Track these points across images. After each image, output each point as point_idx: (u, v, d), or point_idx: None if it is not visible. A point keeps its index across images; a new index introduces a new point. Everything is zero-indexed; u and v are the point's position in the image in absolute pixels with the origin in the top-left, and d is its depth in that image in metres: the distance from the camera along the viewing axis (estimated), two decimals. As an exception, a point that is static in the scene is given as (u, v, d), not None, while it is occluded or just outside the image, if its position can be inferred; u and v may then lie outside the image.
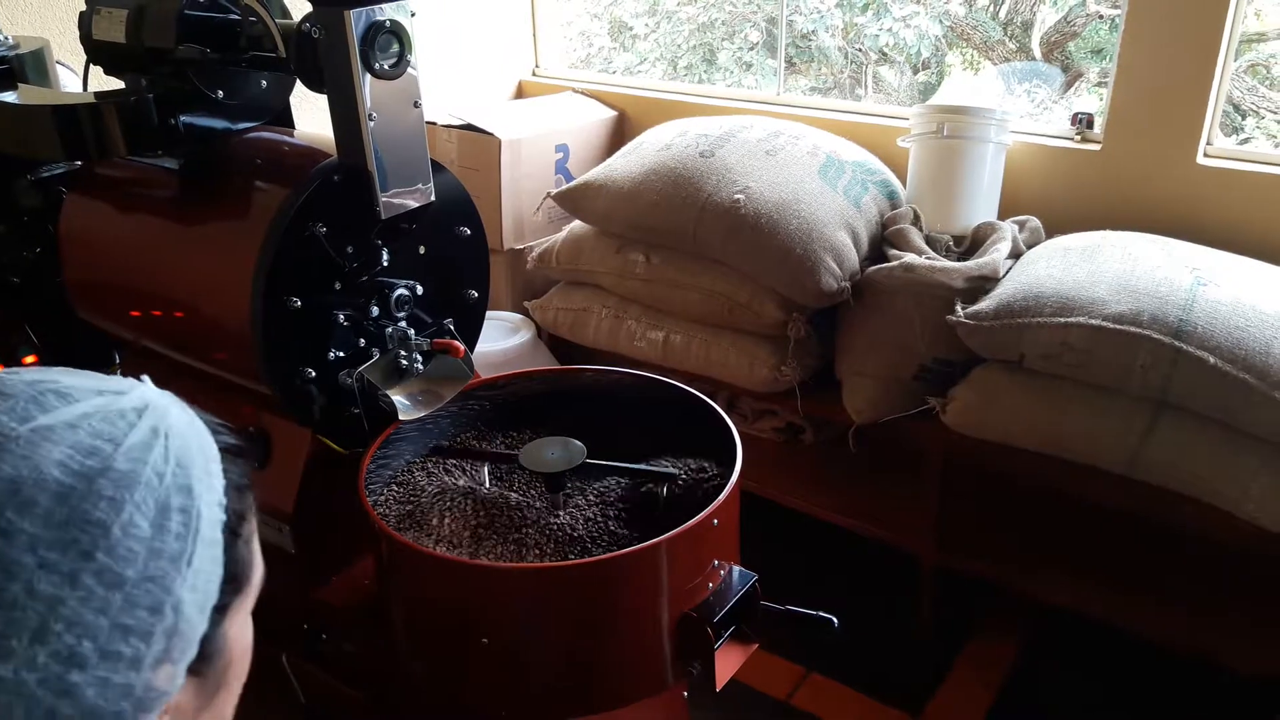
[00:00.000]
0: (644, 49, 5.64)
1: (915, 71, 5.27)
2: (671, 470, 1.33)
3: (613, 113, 3.35)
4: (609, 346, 2.72)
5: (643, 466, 1.34)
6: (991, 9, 5.24)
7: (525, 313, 2.96)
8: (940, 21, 5.02)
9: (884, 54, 5.20)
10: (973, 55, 5.25)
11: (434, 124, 3.03)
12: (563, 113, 3.26)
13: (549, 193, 2.79)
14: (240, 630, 0.69)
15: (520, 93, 3.64)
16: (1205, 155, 2.43)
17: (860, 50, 5.26)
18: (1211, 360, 1.93)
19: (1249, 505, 1.95)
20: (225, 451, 0.68)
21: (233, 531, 0.66)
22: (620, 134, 3.29)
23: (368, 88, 1.22)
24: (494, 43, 3.51)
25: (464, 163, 2.97)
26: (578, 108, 3.33)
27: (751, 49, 5.44)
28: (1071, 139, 2.59)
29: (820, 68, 5.46)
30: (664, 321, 2.62)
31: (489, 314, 2.98)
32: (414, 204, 1.30)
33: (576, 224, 2.80)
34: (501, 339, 2.87)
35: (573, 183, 2.75)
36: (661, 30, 5.60)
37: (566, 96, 3.42)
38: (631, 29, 5.70)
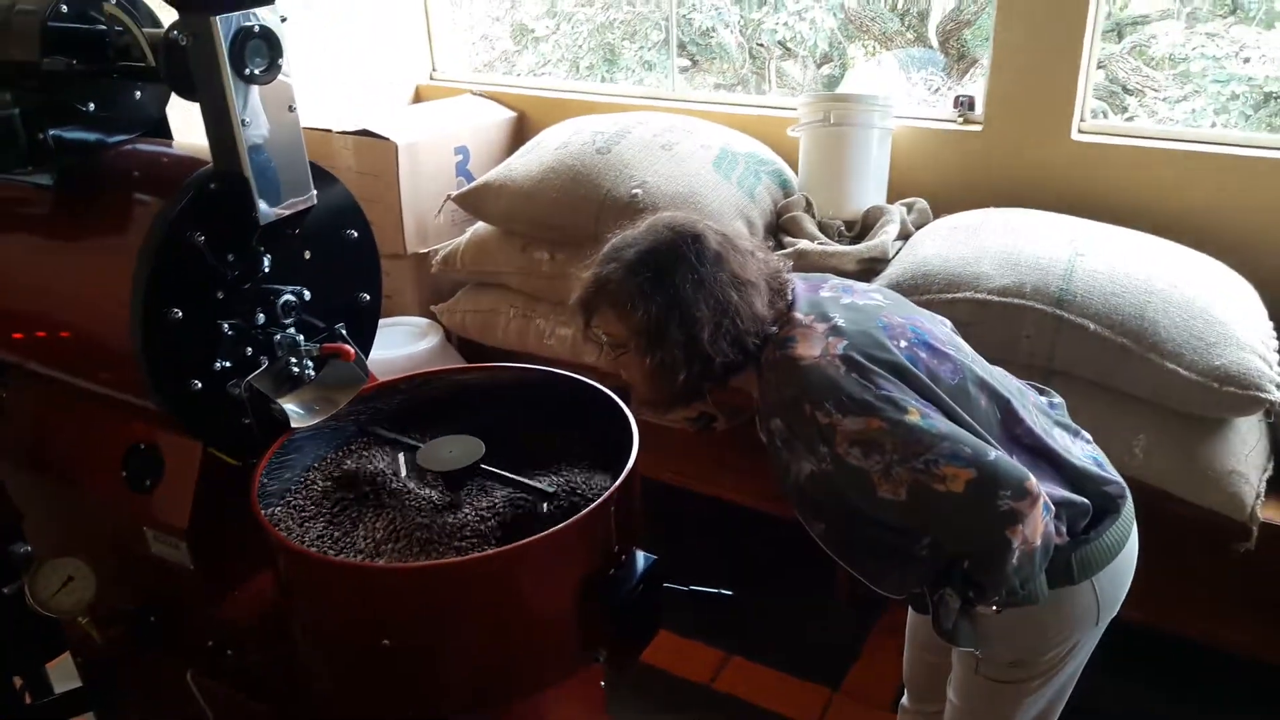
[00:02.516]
0: (546, 51, 5.64)
1: (819, 65, 5.36)
2: (548, 490, 1.31)
3: (512, 114, 3.35)
4: (519, 346, 2.72)
5: (525, 481, 1.31)
6: (889, 1, 5.36)
7: (433, 316, 2.95)
8: (835, 14, 5.12)
9: (786, 48, 5.28)
10: (873, 46, 5.37)
11: (329, 131, 3.00)
12: (461, 115, 3.26)
13: (449, 195, 2.79)
14: None
15: (418, 97, 3.62)
16: (1080, 131, 2.54)
17: (761, 46, 5.34)
18: (1091, 326, 2.02)
19: (1134, 463, 2.05)
20: None
21: None
22: (520, 135, 3.30)
23: (240, 94, 1.20)
24: (389, 48, 3.49)
25: (362, 168, 2.95)
26: (476, 110, 3.33)
27: (653, 48, 5.48)
28: (954, 121, 2.68)
29: (723, 64, 5.52)
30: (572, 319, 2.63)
31: (396, 319, 2.99)
32: (294, 209, 1.29)
33: (480, 225, 2.80)
34: (409, 344, 2.85)
35: (472, 184, 2.75)
36: (562, 32, 5.61)
37: (465, 99, 3.41)
38: (533, 31, 5.70)
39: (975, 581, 1.31)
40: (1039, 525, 1.27)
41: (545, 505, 1.29)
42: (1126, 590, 1.47)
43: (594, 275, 1.39)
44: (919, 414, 1.27)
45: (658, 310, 1.33)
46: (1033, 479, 1.28)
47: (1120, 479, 1.45)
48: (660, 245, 1.36)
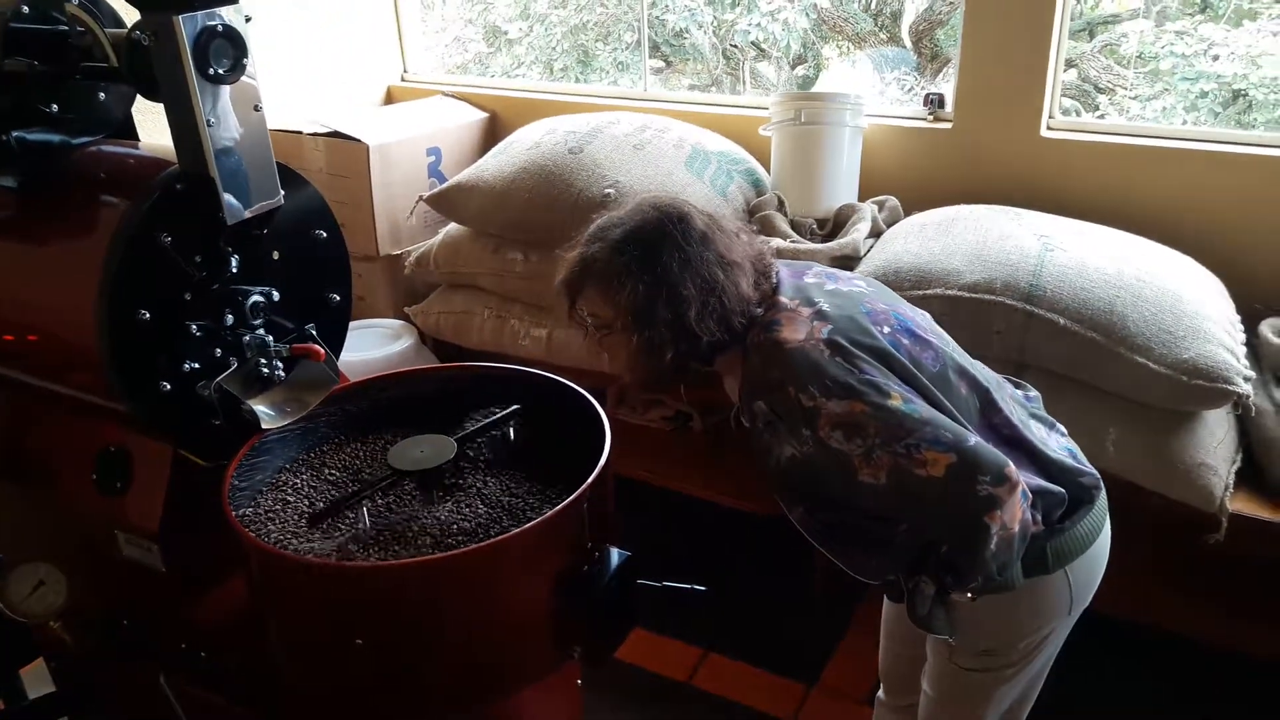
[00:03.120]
0: (519, 53, 5.64)
1: (793, 66, 5.38)
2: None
3: (484, 115, 3.35)
4: (494, 347, 2.72)
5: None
6: (862, 1, 5.39)
7: (406, 318, 2.94)
8: (807, 15, 5.15)
9: (760, 49, 5.30)
10: (847, 47, 5.40)
11: (300, 133, 2.98)
12: (433, 116, 3.25)
13: (421, 196, 2.78)
14: None
15: (390, 98, 3.61)
16: (1048, 128, 2.56)
17: (735, 47, 5.35)
18: (1061, 321, 2.04)
19: (1105, 456, 2.06)
20: None
21: None
22: (493, 135, 3.30)
23: (205, 94, 1.20)
24: (360, 50, 3.47)
25: (333, 170, 2.93)
26: (448, 111, 3.32)
27: (626, 50, 5.48)
28: (925, 119, 2.70)
29: (697, 65, 5.54)
30: (546, 319, 2.64)
31: (369, 322, 2.98)
32: (261, 209, 1.28)
33: (453, 226, 2.79)
34: (383, 346, 2.84)
35: (444, 185, 2.74)
36: (535, 34, 5.61)
37: (436, 100, 3.40)
38: (506, 33, 5.69)
39: (952, 567, 1.32)
40: (1017, 512, 1.29)
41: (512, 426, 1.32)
42: (1099, 580, 1.49)
43: (579, 255, 1.39)
44: (901, 399, 1.29)
45: (645, 289, 1.33)
46: (1012, 465, 1.29)
47: (1094, 470, 1.47)
48: (646, 224, 1.37)
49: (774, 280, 1.43)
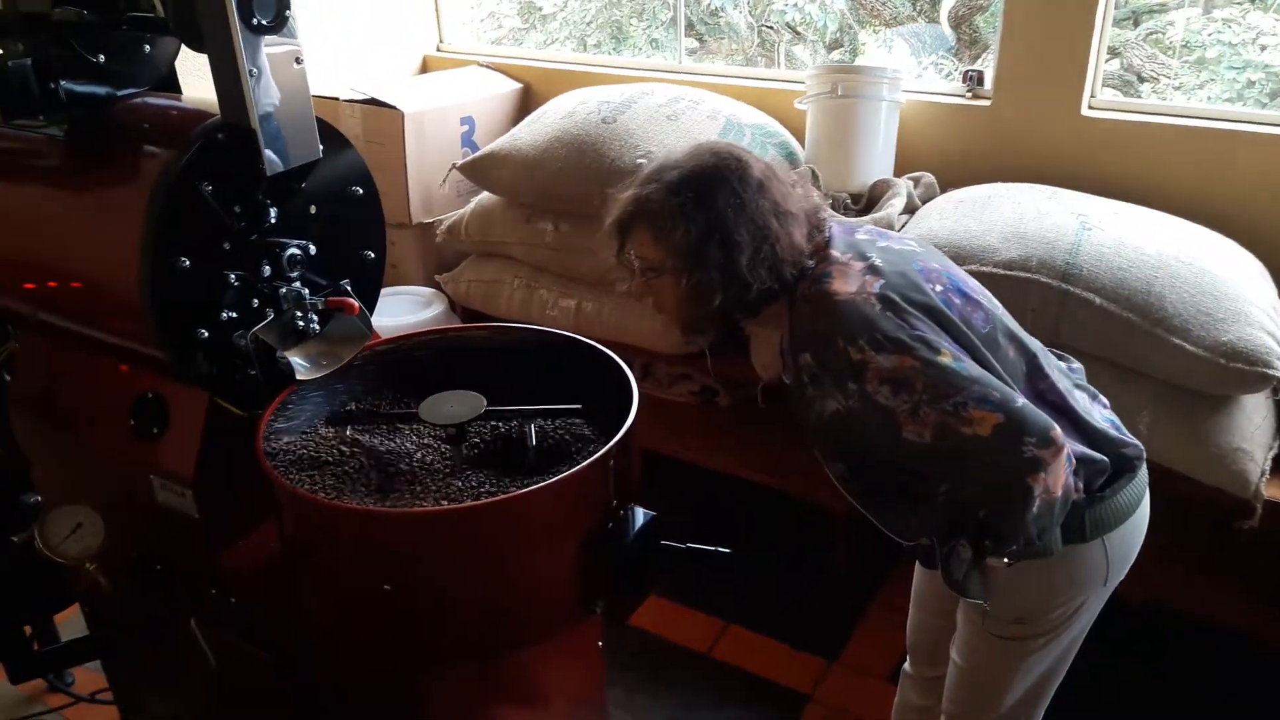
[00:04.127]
0: (553, 29, 5.63)
1: (829, 50, 5.34)
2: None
3: (518, 85, 3.35)
4: (522, 316, 2.73)
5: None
6: (902, -13, 5.32)
7: (437, 286, 2.96)
8: (844, -5, 5.09)
9: (795, 31, 5.25)
10: (885, 33, 5.34)
11: (337, 99, 3.00)
12: (467, 86, 3.26)
13: (454, 164, 2.79)
14: None
15: (425, 68, 3.62)
16: (1090, 108, 2.52)
17: (770, 28, 5.31)
18: (1097, 301, 2.02)
19: (1140, 439, 2.03)
20: None
21: None
22: (526, 106, 3.30)
23: (247, 45, 1.21)
24: (397, 19, 3.48)
25: (369, 137, 2.95)
26: (483, 81, 3.33)
27: (661, 27, 5.46)
28: (963, 96, 2.67)
29: (732, 45, 5.50)
30: (575, 289, 2.64)
31: (400, 288, 3.00)
32: (299, 160, 1.30)
33: (485, 195, 2.80)
34: (414, 312, 2.86)
35: (477, 154, 2.75)
36: (570, 9, 5.59)
37: (471, 70, 3.41)
38: (541, 8, 5.68)
39: (992, 530, 1.31)
40: (1061, 475, 1.28)
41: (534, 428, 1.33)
42: (1136, 553, 1.48)
43: (633, 195, 1.38)
44: (952, 356, 1.28)
45: (698, 231, 1.32)
46: (1058, 429, 1.28)
47: (1137, 442, 1.46)
48: (704, 168, 1.36)
49: (826, 234, 1.42)
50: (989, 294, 1.48)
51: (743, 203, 1.34)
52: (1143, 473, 1.45)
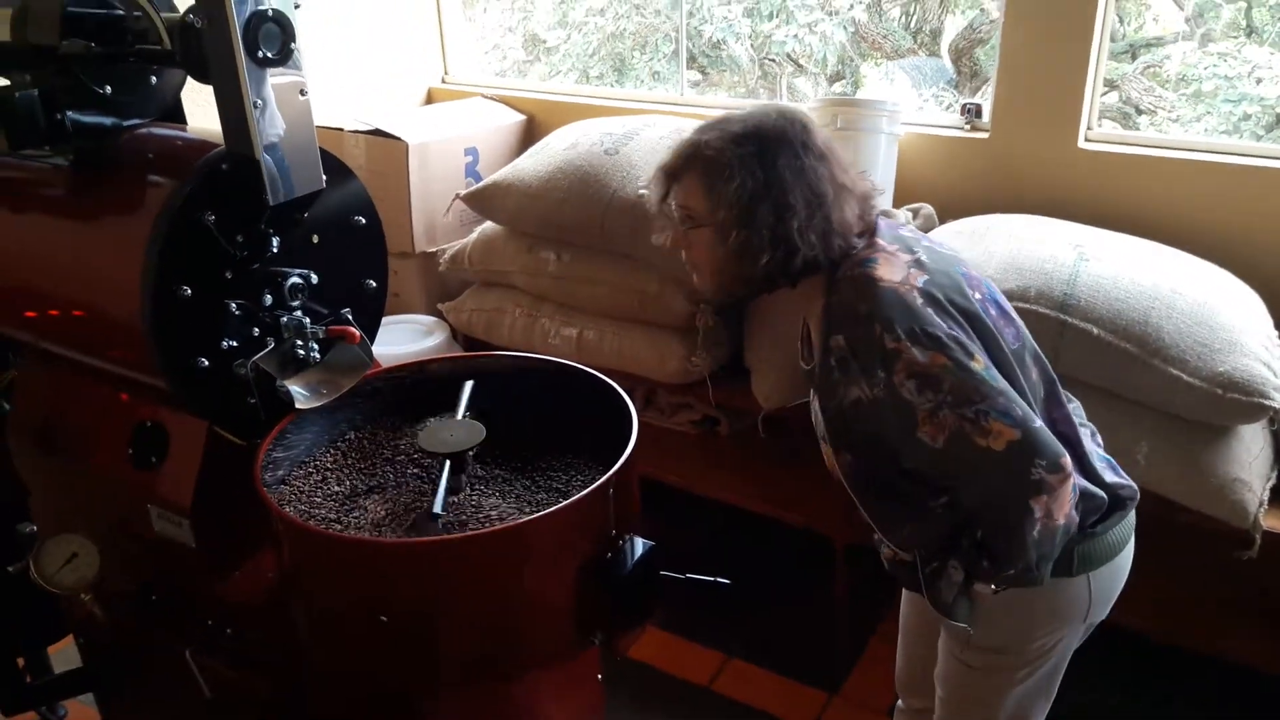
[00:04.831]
0: (556, 61, 5.69)
1: (830, 82, 5.39)
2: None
3: (521, 117, 3.38)
4: (524, 345, 2.74)
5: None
6: (903, 19, 5.38)
7: (439, 315, 2.97)
8: (845, 28, 5.14)
9: (797, 64, 5.30)
10: (886, 65, 5.39)
11: (342, 130, 3.03)
12: (472, 117, 3.28)
13: (458, 194, 2.81)
14: None
15: (430, 99, 3.65)
16: (1086, 140, 2.54)
17: (772, 60, 5.36)
18: (1095, 331, 2.02)
19: (1137, 469, 2.04)
20: None
21: None
22: (529, 137, 3.32)
23: (252, 77, 1.22)
24: (402, 51, 3.52)
25: (372, 167, 2.97)
26: (487, 112, 3.36)
27: (663, 59, 5.51)
28: (961, 128, 2.69)
29: (734, 77, 5.55)
30: (577, 318, 2.65)
31: (403, 317, 3.01)
32: (302, 190, 1.31)
33: (488, 225, 2.82)
34: (416, 341, 2.87)
35: (481, 184, 2.77)
36: (573, 41, 5.65)
37: (476, 102, 3.44)
38: (544, 41, 5.74)
39: (989, 551, 1.31)
40: (1064, 504, 1.27)
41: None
42: (1117, 594, 1.47)
43: (691, 140, 1.36)
44: (983, 363, 1.27)
45: (754, 186, 1.30)
46: (1068, 458, 1.28)
47: (1132, 482, 1.46)
48: (768, 124, 1.34)
49: (874, 221, 1.41)
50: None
51: (803, 166, 1.31)
52: (1132, 514, 1.45)
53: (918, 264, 1.33)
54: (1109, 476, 1.43)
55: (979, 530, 1.32)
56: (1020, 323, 1.42)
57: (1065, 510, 1.28)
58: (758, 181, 1.30)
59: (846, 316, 1.32)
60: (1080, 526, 1.36)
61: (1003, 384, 1.27)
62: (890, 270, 1.31)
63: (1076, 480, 1.33)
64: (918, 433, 1.27)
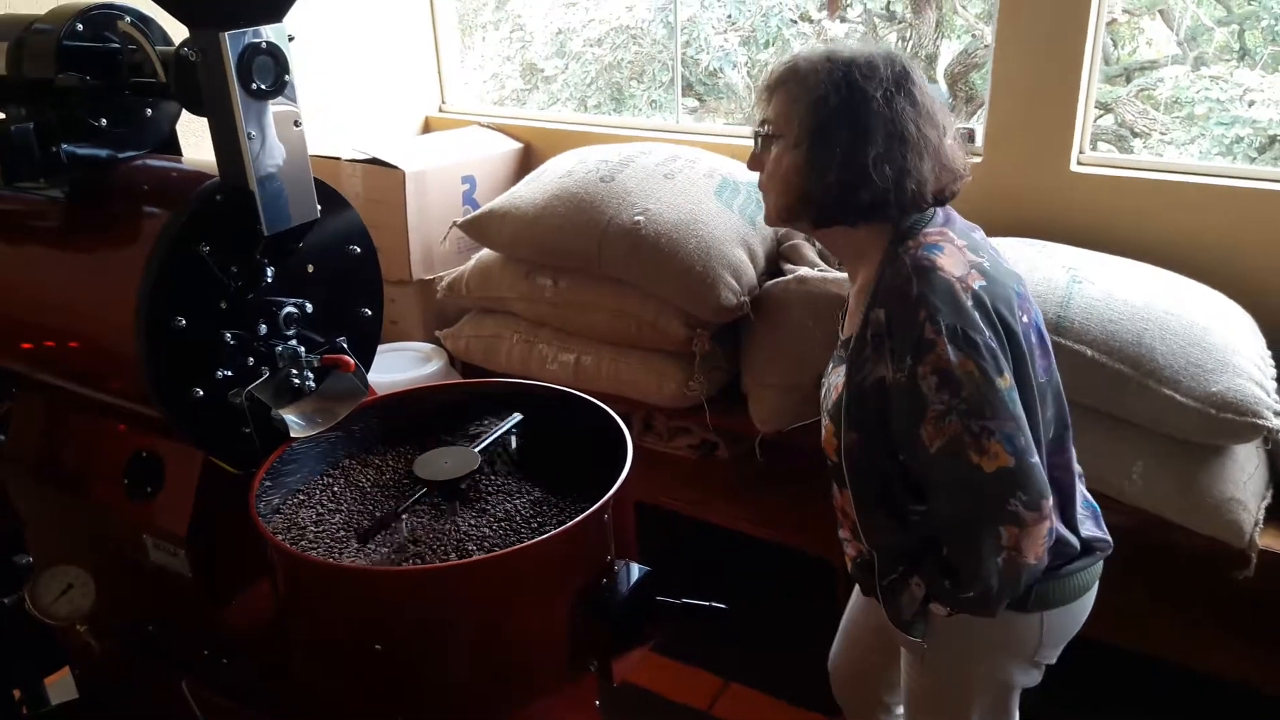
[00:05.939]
0: (554, 90, 5.73)
1: (826, 109, 5.41)
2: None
3: (519, 145, 3.40)
4: (521, 371, 2.74)
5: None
6: (899, 44, 5.42)
7: (437, 342, 2.98)
8: (840, 54, 5.18)
9: (792, 91, 5.33)
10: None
11: (339, 159, 3.05)
12: (469, 146, 3.31)
13: (455, 221, 2.82)
14: None
15: (428, 128, 3.68)
16: (1079, 163, 2.56)
17: (768, 88, 5.39)
18: (1089, 353, 2.03)
19: (1132, 489, 2.05)
20: None
21: None
22: (526, 165, 3.35)
23: (246, 109, 1.24)
24: (399, 80, 3.55)
25: (370, 195, 2.99)
26: (484, 141, 3.38)
27: (660, 88, 5.55)
28: (955, 153, 2.70)
29: (730, 105, 5.59)
30: (574, 344, 2.66)
31: (401, 344, 3.02)
32: (297, 220, 1.32)
33: (485, 252, 2.83)
34: (414, 368, 2.87)
35: (478, 211, 2.78)
36: (570, 71, 5.70)
37: (473, 130, 3.46)
38: (542, 70, 5.79)
39: (952, 571, 1.31)
40: (1037, 544, 1.27)
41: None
42: (1069, 639, 1.47)
43: (794, 55, 1.37)
44: (1009, 383, 1.26)
45: (836, 102, 1.30)
46: (1050, 501, 1.28)
47: (1109, 538, 1.46)
48: (872, 57, 1.33)
49: (948, 209, 1.40)
50: None
51: (891, 101, 1.30)
52: (1099, 564, 1.45)
53: (980, 268, 1.32)
54: (1086, 528, 1.43)
55: (944, 548, 1.32)
56: (1053, 359, 1.41)
57: (1037, 551, 1.27)
58: (841, 99, 1.30)
59: (895, 293, 1.31)
60: (1046, 567, 1.36)
61: (1018, 410, 1.27)
62: (952, 263, 1.30)
63: (1055, 525, 1.33)
64: (919, 429, 1.27)
